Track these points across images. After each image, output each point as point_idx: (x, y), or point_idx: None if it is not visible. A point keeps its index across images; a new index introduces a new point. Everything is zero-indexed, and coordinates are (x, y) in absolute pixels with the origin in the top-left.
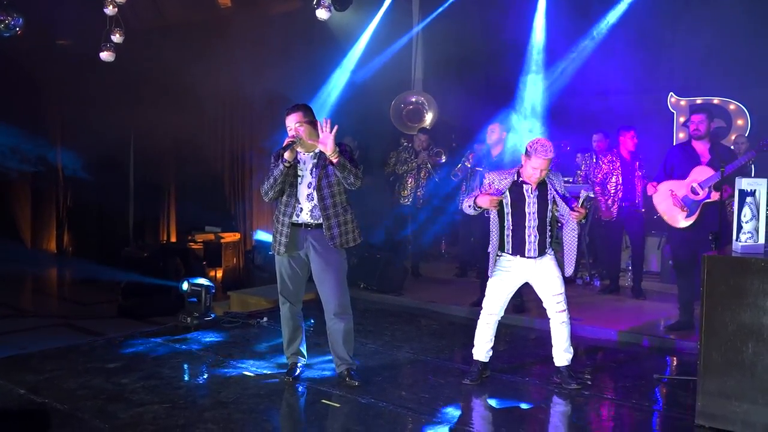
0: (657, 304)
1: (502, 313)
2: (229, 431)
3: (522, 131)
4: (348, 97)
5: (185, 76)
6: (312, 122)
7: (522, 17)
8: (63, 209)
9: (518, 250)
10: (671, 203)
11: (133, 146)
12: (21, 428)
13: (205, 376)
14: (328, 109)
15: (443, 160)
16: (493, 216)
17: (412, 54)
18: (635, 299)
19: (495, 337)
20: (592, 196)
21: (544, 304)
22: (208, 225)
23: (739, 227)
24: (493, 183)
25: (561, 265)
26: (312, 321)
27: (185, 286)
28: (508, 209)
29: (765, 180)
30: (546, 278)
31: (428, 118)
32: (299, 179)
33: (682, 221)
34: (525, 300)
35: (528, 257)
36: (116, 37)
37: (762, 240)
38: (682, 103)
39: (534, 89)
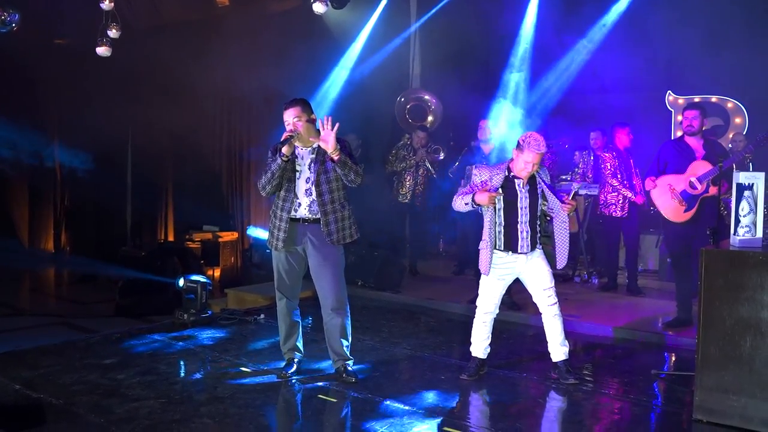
0: (655, 301)
1: (498, 310)
2: (225, 426)
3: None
4: (346, 94)
5: (183, 75)
6: (310, 117)
7: (520, 13)
8: (60, 208)
9: (511, 246)
10: (670, 198)
11: (131, 145)
12: (16, 423)
13: (201, 372)
14: (326, 107)
15: (441, 157)
16: (488, 212)
17: (410, 51)
18: (633, 296)
19: (492, 334)
20: (591, 192)
21: (535, 299)
22: (206, 224)
23: (737, 221)
24: (487, 179)
25: (550, 258)
26: (310, 319)
27: (181, 282)
28: (500, 205)
29: (763, 174)
30: (536, 273)
31: (430, 117)
32: (297, 174)
33: (680, 216)
34: (515, 299)
35: (520, 253)
36: (113, 32)
37: (760, 234)
38: (680, 101)
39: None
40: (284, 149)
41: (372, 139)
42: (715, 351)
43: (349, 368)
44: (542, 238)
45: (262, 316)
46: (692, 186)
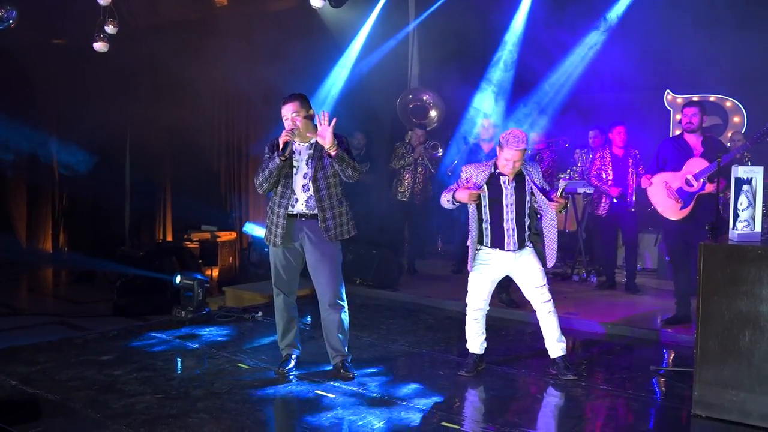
0: (654, 299)
1: (488, 307)
2: (222, 421)
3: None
4: (346, 93)
5: (181, 74)
6: (308, 112)
7: (516, 10)
8: (59, 208)
9: (497, 243)
10: (666, 195)
11: (129, 144)
12: (12, 418)
13: (198, 369)
14: (326, 106)
15: (440, 153)
16: (472, 209)
17: (408, 49)
18: (631, 295)
19: (491, 332)
20: (588, 191)
21: (528, 297)
22: (204, 223)
23: (736, 215)
24: (470, 177)
25: (541, 256)
26: (308, 317)
27: (178, 279)
28: (486, 202)
29: (761, 168)
30: (527, 271)
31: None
32: (294, 170)
33: (677, 213)
34: (513, 297)
35: (507, 250)
36: (110, 28)
37: (758, 228)
38: (679, 100)
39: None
40: (284, 152)
41: (373, 137)
42: (714, 345)
43: (347, 364)
44: (532, 236)
45: (260, 313)
46: (688, 183)
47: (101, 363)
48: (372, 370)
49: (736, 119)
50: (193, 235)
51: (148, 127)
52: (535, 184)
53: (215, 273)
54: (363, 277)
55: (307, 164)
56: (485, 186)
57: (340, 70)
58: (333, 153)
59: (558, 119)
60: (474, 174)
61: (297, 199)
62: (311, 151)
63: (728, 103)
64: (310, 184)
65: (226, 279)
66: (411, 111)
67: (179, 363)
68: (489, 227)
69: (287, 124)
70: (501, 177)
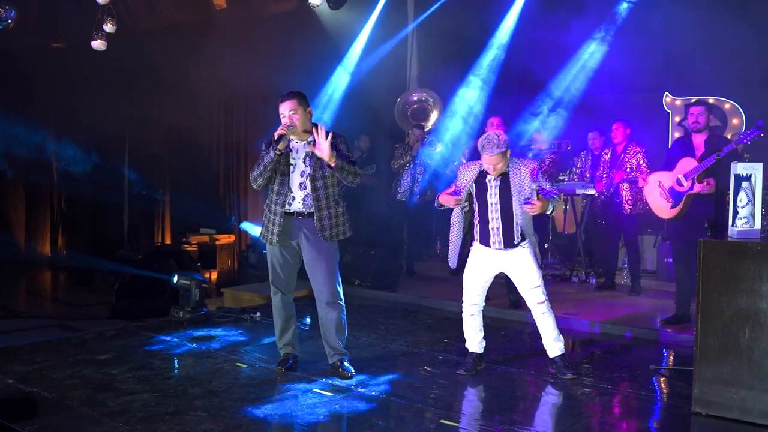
0: (653, 300)
1: (483, 303)
2: (219, 419)
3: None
4: (346, 95)
5: (180, 76)
6: (306, 110)
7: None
8: (57, 210)
9: (484, 240)
10: (658, 194)
11: (128, 145)
12: (9, 415)
13: (196, 368)
14: (328, 109)
15: (438, 150)
16: (456, 210)
17: (407, 51)
18: (632, 296)
19: (490, 331)
20: (587, 192)
21: (523, 296)
22: (203, 224)
23: (735, 212)
24: (460, 178)
25: (538, 257)
26: (306, 317)
27: (175, 278)
28: (474, 200)
29: (761, 165)
30: (521, 271)
31: (433, 116)
32: (291, 168)
33: (667, 212)
34: (516, 298)
35: (494, 248)
36: (108, 27)
37: (758, 225)
38: (677, 102)
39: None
40: (279, 146)
41: (374, 138)
42: (714, 343)
43: (345, 363)
44: (530, 237)
45: (258, 314)
46: (679, 183)
47: (98, 362)
48: (371, 369)
49: (735, 121)
50: (192, 238)
51: (148, 128)
52: (522, 184)
53: (214, 276)
54: (362, 278)
55: (304, 162)
56: (473, 184)
57: (341, 73)
58: (333, 165)
59: (558, 119)
60: (464, 173)
61: (294, 197)
62: (309, 149)
63: (727, 105)
64: (308, 182)
65: (224, 282)
66: (412, 112)
67: (177, 362)
68: (478, 225)
69: (284, 122)
70: (487, 176)
